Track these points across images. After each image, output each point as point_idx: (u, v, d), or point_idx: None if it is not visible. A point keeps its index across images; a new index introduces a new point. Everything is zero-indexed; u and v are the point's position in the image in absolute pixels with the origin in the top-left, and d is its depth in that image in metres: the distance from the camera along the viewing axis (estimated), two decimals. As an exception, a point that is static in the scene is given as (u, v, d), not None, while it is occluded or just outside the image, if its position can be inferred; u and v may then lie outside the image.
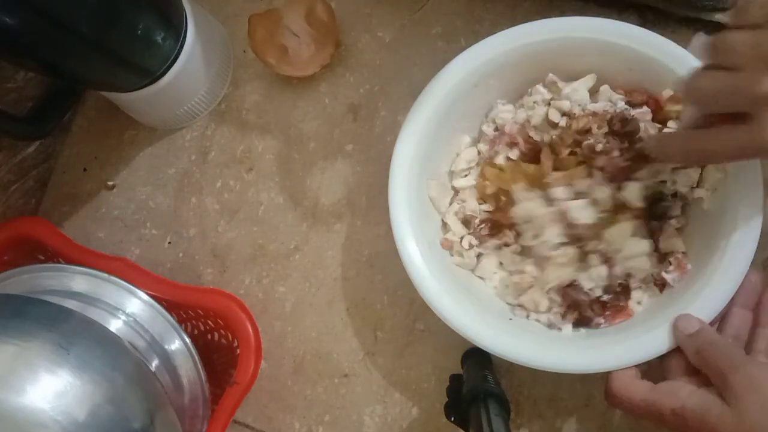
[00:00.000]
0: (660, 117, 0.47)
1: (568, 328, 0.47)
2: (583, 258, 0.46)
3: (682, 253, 0.46)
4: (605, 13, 0.53)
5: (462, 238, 0.49)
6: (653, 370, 0.43)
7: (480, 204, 0.50)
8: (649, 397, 0.39)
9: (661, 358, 0.42)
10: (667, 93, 0.46)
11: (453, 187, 0.51)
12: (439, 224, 0.50)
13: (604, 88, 0.48)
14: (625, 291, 0.47)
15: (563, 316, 0.47)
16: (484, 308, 0.47)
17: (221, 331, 0.56)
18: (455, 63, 0.47)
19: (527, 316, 0.48)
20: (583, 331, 0.47)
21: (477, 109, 0.51)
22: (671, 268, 0.45)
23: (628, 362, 0.42)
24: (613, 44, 0.46)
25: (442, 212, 0.50)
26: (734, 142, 0.37)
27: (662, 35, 0.45)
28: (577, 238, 0.46)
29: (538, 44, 0.47)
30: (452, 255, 0.50)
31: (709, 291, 0.42)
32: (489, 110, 0.51)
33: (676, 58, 0.44)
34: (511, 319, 0.47)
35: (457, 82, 0.47)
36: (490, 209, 0.50)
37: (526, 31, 0.47)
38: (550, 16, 0.47)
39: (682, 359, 0.41)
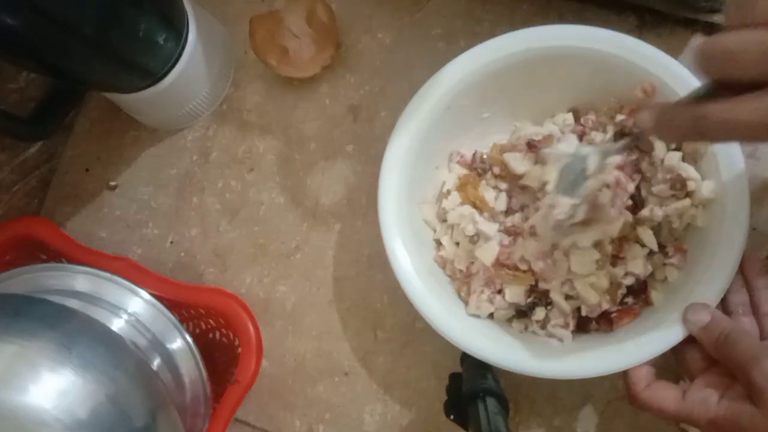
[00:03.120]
0: None
1: (568, 337, 0.46)
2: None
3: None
4: (603, 14, 0.53)
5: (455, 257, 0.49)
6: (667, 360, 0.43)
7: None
8: (682, 409, 0.39)
9: (676, 351, 0.42)
10: (638, 92, 0.45)
11: (442, 208, 0.50)
12: (432, 242, 0.50)
13: (585, 119, 0.48)
14: (641, 289, 0.46)
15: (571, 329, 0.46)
16: (485, 321, 0.47)
17: (222, 330, 0.56)
18: (432, 84, 0.47)
19: (526, 328, 0.48)
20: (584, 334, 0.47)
21: (459, 125, 0.50)
22: (671, 253, 0.45)
23: (639, 360, 0.42)
24: (575, 48, 0.45)
25: (436, 232, 0.50)
26: (764, 112, 0.29)
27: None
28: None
29: (501, 60, 0.46)
30: (447, 273, 0.49)
31: (709, 276, 0.42)
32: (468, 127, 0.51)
33: (641, 56, 0.44)
34: (521, 332, 0.47)
35: (434, 102, 0.47)
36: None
37: (494, 46, 0.46)
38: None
39: (698, 350, 0.42)
